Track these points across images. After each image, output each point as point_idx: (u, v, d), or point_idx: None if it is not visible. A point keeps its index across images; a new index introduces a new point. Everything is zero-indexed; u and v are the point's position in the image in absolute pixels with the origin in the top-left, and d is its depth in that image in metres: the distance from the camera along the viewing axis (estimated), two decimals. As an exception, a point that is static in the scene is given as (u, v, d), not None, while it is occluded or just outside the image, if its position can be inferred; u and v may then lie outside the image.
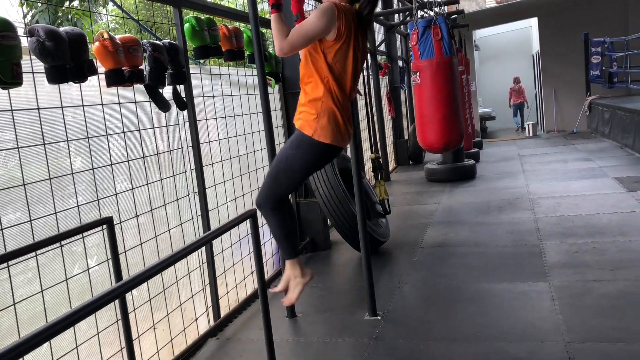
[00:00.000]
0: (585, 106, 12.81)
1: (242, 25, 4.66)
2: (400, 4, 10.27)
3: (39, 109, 2.54)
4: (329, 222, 5.65)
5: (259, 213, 2.53)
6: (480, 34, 17.18)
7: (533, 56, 16.51)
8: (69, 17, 7.44)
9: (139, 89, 3.19)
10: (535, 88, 16.34)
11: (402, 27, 10.63)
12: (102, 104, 2.95)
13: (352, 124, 2.90)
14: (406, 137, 10.94)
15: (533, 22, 15.03)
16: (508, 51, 18.00)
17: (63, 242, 2.51)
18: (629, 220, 5.29)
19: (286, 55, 2.69)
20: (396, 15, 11.06)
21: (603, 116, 11.35)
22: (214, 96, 4.15)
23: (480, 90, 16.70)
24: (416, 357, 3.16)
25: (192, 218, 3.73)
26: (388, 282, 4.41)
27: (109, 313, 2.89)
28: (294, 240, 2.81)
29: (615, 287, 3.79)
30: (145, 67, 3.14)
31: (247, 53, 4.39)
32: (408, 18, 9.70)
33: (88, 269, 2.74)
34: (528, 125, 14.13)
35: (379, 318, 3.70)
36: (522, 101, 16.05)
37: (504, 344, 3.16)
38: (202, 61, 4.11)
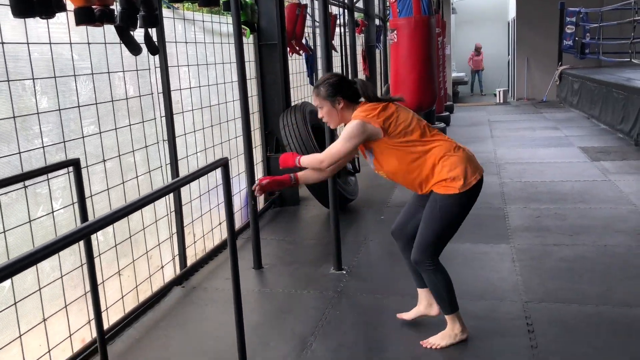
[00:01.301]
0: (556, 76, 12.95)
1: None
2: (380, -40, 10.08)
3: (2, 43, 2.43)
4: (298, 177, 5.65)
5: (230, 163, 2.49)
6: (459, -3, 17.09)
7: (509, 23, 16.53)
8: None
9: (109, 30, 3.07)
10: (509, 55, 16.42)
11: (380, -16, 10.47)
12: (70, 43, 2.84)
13: None
14: (380, 96, 10.89)
15: (511, -13, 14.99)
16: (484, 16, 17.97)
17: (27, 183, 2.45)
18: (590, 188, 5.44)
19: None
20: (375, -28, 10.88)
21: (572, 86, 11.51)
22: (186, 42, 4.05)
23: (455, 55, 16.70)
24: (378, 310, 3.24)
25: (161, 166, 3.68)
26: (354, 238, 4.47)
27: (74, 257, 2.85)
28: (454, 293, 2.78)
29: (573, 251, 3.92)
30: (116, 7, 3.03)
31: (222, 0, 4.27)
32: (387, -25, 9.54)
33: (52, 212, 2.69)
34: (499, 91, 14.25)
35: (344, 272, 3.76)
36: (481, 69, 16.56)
37: (464, 302, 3.21)
38: (175, 5, 3.98)
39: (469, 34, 18.12)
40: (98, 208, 3.02)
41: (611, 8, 10.92)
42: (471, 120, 10.85)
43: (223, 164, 2.06)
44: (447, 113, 10.40)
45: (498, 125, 10.01)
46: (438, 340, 2.80)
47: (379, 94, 2.78)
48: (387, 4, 10.68)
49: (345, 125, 2.68)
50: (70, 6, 2.72)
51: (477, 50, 16.48)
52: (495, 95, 14.70)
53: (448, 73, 13.16)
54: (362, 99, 2.70)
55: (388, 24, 6.79)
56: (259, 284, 3.74)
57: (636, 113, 7.32)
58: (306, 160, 2.77)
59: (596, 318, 2.98)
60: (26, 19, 2.53)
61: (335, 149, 2.64)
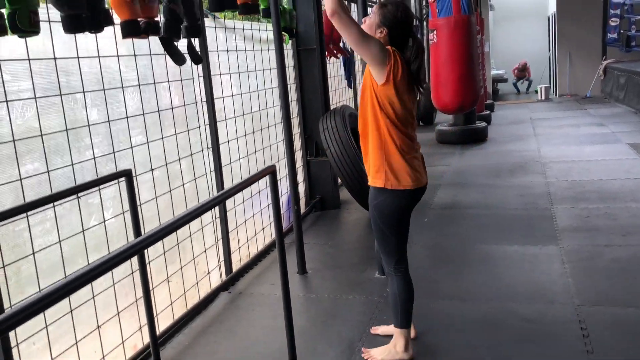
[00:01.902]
0: (600, 70, 12.60)
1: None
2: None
3: (55, 58, 2.51)
4: (339, 181, 5.65)
5: (277, 169, 2.49)
6: (496, -7, 16.79)
7: (548, 17, 16.17)
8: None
9: (154, 42, 3.14)
10: (550, 51, 16.05)
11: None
12: (117, 56, 2.92)
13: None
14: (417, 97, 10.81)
15: (551, -18, 14.66)
16: (523, 12, 17.61)
17: (80, 194, 2.52)
18: (641, 186, 5.26)
19: (333, 20, 2.54)
20: (411, -28, 10.80)
21: (618, 81, 11.17)
22: (227, 51, 4.10)
23: (494, 52, 16.42)
24: (425, 315, 3.20)
25: (206, 173, 3.73)
26: (398, 241, 4.42)
27: (124, 265, 2.91)
28: (410, 309, 2.75)
29: (626, 252, 3.80)
30: (160, 18, 3.09)
31: (261, 7, 4.30)
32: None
33: (104, 221, 2.76)
34: (540, 88, 13.94)
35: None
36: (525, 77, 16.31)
37: (513, 305, 3.19)
38: (216, 14, 4.03)
39: (508, 31, 17.79)
40: (147, 216, 3.08)
41: (657, -1, 10.57)
42: (513, 119, 10.65)
43: (271, 172, 2.07)
44: (488, 112, 10.24)
45: (541, 123, 9.80)
46: (378, 353, 2.76)
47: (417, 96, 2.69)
48: (425, 3, 10.59)
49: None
50: (116, 19, 2.79)
51: (521, 68, 16.23)
52: (536, 92, 14.39)
53: (488, 71, 12.96)
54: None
55: (425, 23, 6.72)
56: (304, 289, 3.75)
57: (688, 107, 7.06)
58: None
59: (654, 322, 2.88)
60: (76, 35, 2.60)
61: (355, 28, 2.43)
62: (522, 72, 16.23)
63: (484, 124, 8.75)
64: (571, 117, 10.25)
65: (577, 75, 13.62)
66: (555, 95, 14.31)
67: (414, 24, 2.64)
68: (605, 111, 10.44)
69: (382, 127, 2.54)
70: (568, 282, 3.40)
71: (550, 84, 15.30)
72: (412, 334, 2.88)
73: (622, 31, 12.09)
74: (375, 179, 2.60)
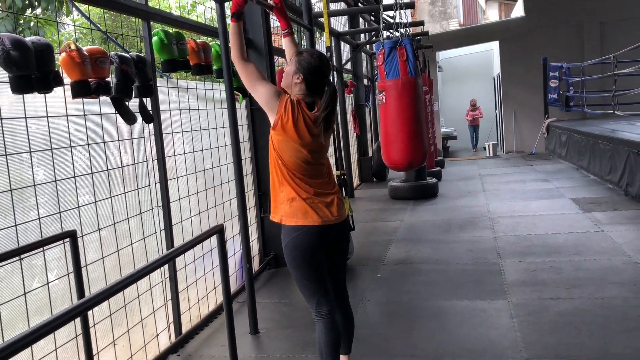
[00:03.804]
0: (543, 128, 13.20)
1: (210, 40, 4.66)
2: (366, 23, 10.44)
3: (1, 118, 2.49)
4: (293, 238, 5.66)
5: (225, 226, 2.50)
6: (444, 56, 17.58)
7: (494, 78, 16.97)
8: (31, 25, 7.29)
9: (105, 101, 3.15)
10: (496, 109, 16.77)
11: (367, 46, 10.79)
12: (66, 115, 2.91)
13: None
14: (370, 154, 11.06)
15: (494, 45, 15.46)
16: (470, 73, 18.46)
17: (23, 256, 2.45)
18: (584, 240, 5.46)
19: (234, 64, 2.71)
20: (362, 35, 11.24)
21: (560, 138, 11.71)
22: (180, 110, 4.14)
23: (443, 110, 17.04)
24: (378, 374, 3.19)
25: (155, 232, 3.69)
26: (351, 299, 4.38)
27: (68, 328, 2.82)
28: (333, 354, 2.74)
29: (571, 304, 3.90)
30: (112, 79, 3.12)
31: (215, 67, 4.40)
32: (374, 38, 9.86)
33: (48, 283, 2.68)
34: (488, 145, 14.46)
35: (343, 334, 3.71)
36: (477, 125, 16.77)
37: (464, 361, 3.21)
38: (169, 74, 4.09)
39: (456, 91, 18.56)
40: (93, 277, 3.01)
41: (592, 62, 11.28)
42: (462, 175, 10.96)
43: (218, 231, 2.08)
44: (438, 168, 10.52)
45: (489, 179, 10.12)
46: None
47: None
48: (375, 65, 10.98)
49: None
50: (66, 80, 2.80)
51: (473, 106, 16.78)
52: (485, 149, 14.92)
53: (437, 129, 13.41)
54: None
55: (376, 84, 6.95)
56: (255, 350, 3.68)
57: (623, 163, 7.44)
58: (234, 34, 2.70)
59: (598, 374, 2.94)
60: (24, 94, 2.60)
61: (251, 69, 2.64)
62: (475, 109, 16.71)
63: (434, 180, 8.98)
64: (518, 173, 10.63)
65: (522, 132, 14.22)
66: (503, 152, 14.86)
67: (329, 70, 2.76)
68: (549, 167, 10.88)
69: (277, 167, 2.65)
70: (516, 337, 3.45)
71: (497, 141, 15.90)
72: None
73: (561, 92, 12.78)
74: (274, 213, 2.71)
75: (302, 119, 2.59)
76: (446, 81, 18.62)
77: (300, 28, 6.85)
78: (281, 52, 6.48)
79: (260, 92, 2.60)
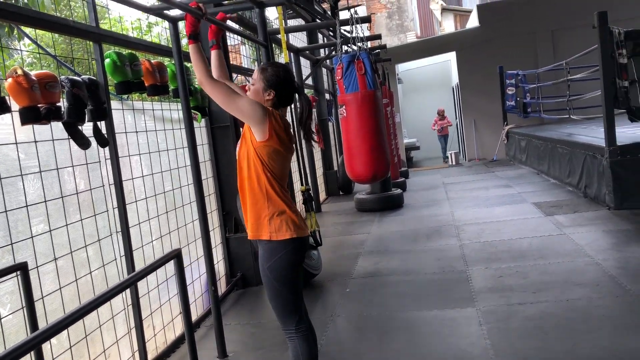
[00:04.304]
0: (502, 135, 13.44)
1: (166, 60, 4.60)
2: (325, 39, 10.50)
3: (-56, 149, 2.38)
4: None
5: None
6: (403, 68, 17.79)
7: (453, 88, 17.25)
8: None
9: (57, 126, 3.06)
10: (456, 119, 17.03)
11: (327, 61, 10.85)
12: (16, 143, 2.81)
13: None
14: (335, 168, 11.07)
15: (452, 56, 15.74)
16: (430, 83, 18.74)
17: (-29, 292, 2.34)
18: (547, 243, 5.54)
19: (202, 87, 2.66)
20: (322, 50, 11.29)
21: (520, 144, 11.95)
22: (137, 132, 4.05)
23: (405, 121, 17.21)
24: (350, 391, 3.14)
25: (115, 259, 3.58)
26: (321, 315, 4.38)
27: (25, 365, 2.69)
28: None
29: (537, 309, 3.93)
30: (63, 103, 3.03)
31: (171, 87, 4.33)
32: (333, 53, 9.92)
33: (0, 319, 2.56)
34: (451, 154, 14.66)
35: (313, 353, 3.65)
36: (446, 134, 16.78)
37: (435, 372, 3.19)
38: (124, 96, 4.01)
39: (417, 102, 18.80)
40: (50, 309, 2.89)
41: (546, 69, 11.56)
42: (427, 184, 11.06)
43: (176, 255, 2.02)
44: (403, 179, 10.59)
45: (453, 187, 10.23)
46: None
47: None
48: (334, 79, 11.04)
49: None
50: (14, 106, 2.71)
51: (441, 115, 16.83)
52: (447, 158, 15.11)
53: (400, 140, 13.52)
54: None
55: (337, 98, 6.98)
56: (225, 374, 3.59)
57: (581, 166, 7.61)
58: (195, 55, 2.63)
59: (567, 377, 2.96)
60: (-32, 123, 2.50)
61: (222, 88, 2.57)
62: (442, 118, 16.75)
63: (399, 190, 9.03)
64: (481, 180, 10.78)
65: (483, 140, 14.46)
66: (465, 160, 15.07)
67: (295, 80, 2.80)
68: (511, 173, 11.07)
69: (264, 181, 2.61)
70: (486, 344, 3.46)
71: (459, 149, 16.12)
72: None
73: (518, 99, 13.05)
74: (261, 232, 2.64)
75: (286, 128, 2.63)
76: (407, 92, 18.85)
77: (257, 45, 6.83)
78: (239, 69, 6.44)
79: (243, 108, 2.55)
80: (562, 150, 8.52)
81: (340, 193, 10.93)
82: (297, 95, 2.80)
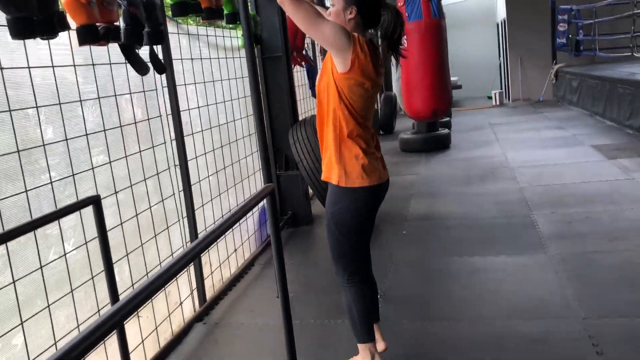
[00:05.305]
0: (551, 74, 12.82)
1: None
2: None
3: (1, 68, 2.16)
4: (310, 195, 5.39)
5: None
6: (445, 2, 16.94)
7: (498, 24, 16.42)
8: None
9: (114, 49, 2.81)
10: (500, 57, 16.30)
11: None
12: (74, 65, 2.57)
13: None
14: (376, 106, 10.69)
15: (499, -11, 14.89)
16: (472, 19, 17.85)
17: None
18: (616, 188, 5.21)
19: (283, 7, 2.31)
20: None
21: (571, 84, 11.36)
22: (192, 59, 3.78)
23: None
24: (425, 339, 2.96)
25: (174, 194, 3.40)
26: (380, 257, 4.18)
27: (91, 302, 2.56)
28: (369, 322, 2.55)
29: (617, 258, 3.67)
30: (120, 23, 2.76)
31: (225, 12, 4.01)
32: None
33: (65, 254, 2.40)
34: (494, 93, 14.09)
35: (379, 297, 3.47)
36: None
37: (516, 323, 2.98)
38: (179, 20, 3.72)
39: (459, 38, 17.99)
40: (112, 244, 2.72)
41: (605, 4, 10.81)
42: (472, 125, 10.64)
43: (269, 193, 1.79)
44: (448, 118, 10.18)
45: (500, 128, 9.81)
46: None
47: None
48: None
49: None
50: (72, 25, 2.45)
51: None
52: (490, 97, 14.55)
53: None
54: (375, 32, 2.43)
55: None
56: (287, 315, 3.44)
57: (646, 108, 7.15)
58: None
59: (667, 333, 2.72)
60: (26, 41, 2.26)
61: (306, 9, 2.24)
62: None
63: (446, 130, 8.64)
64: (529, 121, 10.32)
65: (529, 80, 13.83)
66: (509, 100, 14.50)
67: None
68: (561, 114, 10.57)
69: (341, 119, 2.35)
70: (567, 294, 3.22)
71: (502, 89, 15.50)
72: (382, 346, 2.68)
73: (570, 36, 12.34)
74: (331, 174, 2.41)
75: (374, 56, 2.32)
76: (449, 28, 18.01)
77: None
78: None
79: (326, 33, 2.23)
80: (624, 91, 8.00)
81: (381, 132, 10.59)
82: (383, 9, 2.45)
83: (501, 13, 14.91)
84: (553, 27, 12.59)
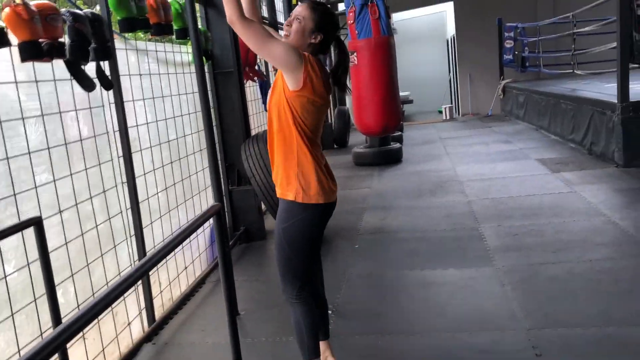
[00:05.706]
0: (499, 89, 13.21)
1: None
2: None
3: (-63, 86, 2.09)
4: (263, 210, 5.38)
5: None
6: (397, 18, 17.28)
7: (447, 40, 16.84)
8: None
9: (58, 65, 2.75)
10: (450, 72, 16.71)
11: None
12: (15, 82, 2.50)
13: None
14: (329, 120, 10.78)
15: (448, 6, 15.27)
16: (423, 35, 18.26)
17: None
18: (559, 201, 5.40)
19: (233, 27, 2.33)
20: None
21: (517, 99, 11.73)
22: (140, 75, 3.74)
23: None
24: (376, 354, 2.99)
25: (121, 212, 3.34)
26: (333, 272, 4.20)
27: (32, 327, 2.48)
28: (317, 338, 2.57)
29: (561, 269, 3.80)
30: (65, 39, 2.72)
31: (175, 28, 3.99)
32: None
33: (5, 277, 2.32)
34: (445, 108, 14.41)
35: (330, 313, 3.48)
36: None
37: (464, 335, 3.05)
38: (127, 35, 3.68)
39: (410, 54, 18.35)
40: (57, 265, 2.65)
41: (550, 22, 11.25)
42: (423, 139, 10.84)
43: (216, 212, 1.78)
44: (399, 132, 10.34)
45: (450, 142, 10.02)
46: None
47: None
48: (344, 25, 10.63)
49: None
50: (14, 40, 2.40)
51: None
52: (441, 112, 14.87)
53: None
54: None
55: (347, 44, 6.66)
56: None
57: (587, 123, 7.44)
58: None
59: (605, 341, 2.83)
60: (-37, 57, 2.19)
61: (256, 29, 2.24)
62: None
63: (398, 144, 8.78)
64: (478, 135, 10.59)
65: (478, 95, 14.22)
66: (459, 114, 14.85)
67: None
68: (508, 128, 10.89)
69: (294, 136, 2.37)
70: (513, 305, 3.32)
71: (452, 103, 15.87)
72: None
73: (516, 52, 12.77)
74: (287, 191, 2.42)
75: (324, 74, 2.39)
76: (400, 44, 18.31)
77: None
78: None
79: (277, 53, 2.27)
80: (567, 106, 8.32)
81: (335, 146, 10.68)
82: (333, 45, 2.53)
83: (451, 29, 15.31)
84: (500, 44, 13.00)
